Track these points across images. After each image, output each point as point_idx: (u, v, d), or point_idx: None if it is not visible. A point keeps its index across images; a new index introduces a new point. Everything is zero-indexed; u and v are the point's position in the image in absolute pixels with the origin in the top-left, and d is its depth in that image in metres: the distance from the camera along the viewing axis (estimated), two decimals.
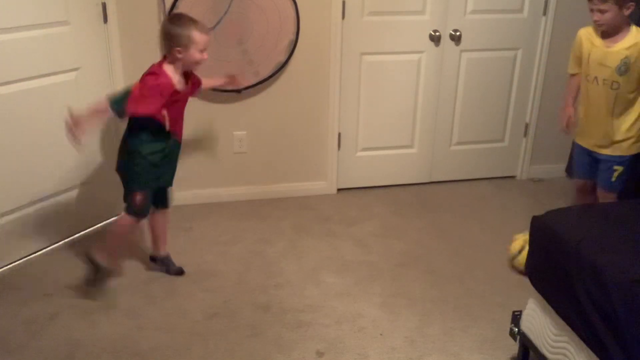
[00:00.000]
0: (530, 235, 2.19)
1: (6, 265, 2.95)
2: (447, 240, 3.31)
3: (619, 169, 2.87)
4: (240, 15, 3.25)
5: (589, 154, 2.95)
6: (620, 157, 2.85)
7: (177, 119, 2.68)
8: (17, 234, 2.96)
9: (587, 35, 2.85)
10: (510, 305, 2.57)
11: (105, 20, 3.10)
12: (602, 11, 2.65)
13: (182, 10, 3.15)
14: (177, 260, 3.02)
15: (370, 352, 2.45)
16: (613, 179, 2.89)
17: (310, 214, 3.56)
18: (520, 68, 3.84)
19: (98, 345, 2.45)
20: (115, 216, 3.43)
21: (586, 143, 2.96)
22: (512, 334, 2.34)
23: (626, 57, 2.68)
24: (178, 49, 2.48)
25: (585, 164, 3.00)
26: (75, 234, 3.22)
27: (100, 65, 3.15)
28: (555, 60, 3.82)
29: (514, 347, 2.39)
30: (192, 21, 2.52)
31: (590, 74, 2.82)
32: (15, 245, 2.97)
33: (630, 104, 2.78)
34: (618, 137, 2.82)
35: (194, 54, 2.51)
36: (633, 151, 2.84)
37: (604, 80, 2.76)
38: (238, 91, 3.43)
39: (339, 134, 3.72)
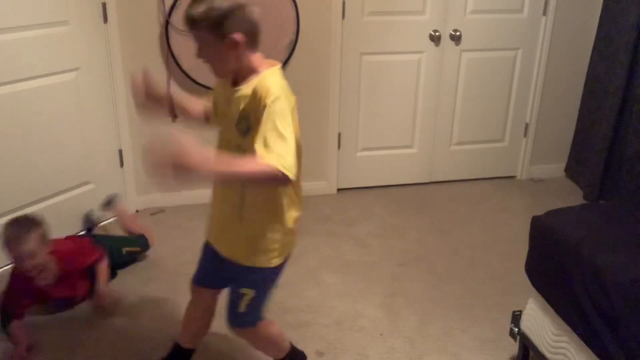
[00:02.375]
0: (530, 235, 2.19)
1: (6, 265, 2.95)
2: (447, 240, 3.31)
3: None
4: None
5: None
6: None
7: None
8: None
9: None
10: (510, 305, 2.57)
11: (105, 20, 3.10)
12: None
13: (182, 10, 3.15)
14: (178, 260, 3.02)
15: (370, 352, 2.45)
16: None
17: (310, 214, 3.56)
18: (520, 68, 3.84)
19: (98, 345, 2.45)
20: (114, 216, 3.43)
21: None
22: (512, 334, 2.34)
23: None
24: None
25: None
26: (75, 234, 3.22)
27: (100, 65, 3.15)
28: (555, 60, 3.82)
29: (514, 347, 2.39)
30: None
31: None
32: None
33: None
34: None
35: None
36: None
37: None
38: None
39: (339, 134, 3.72)
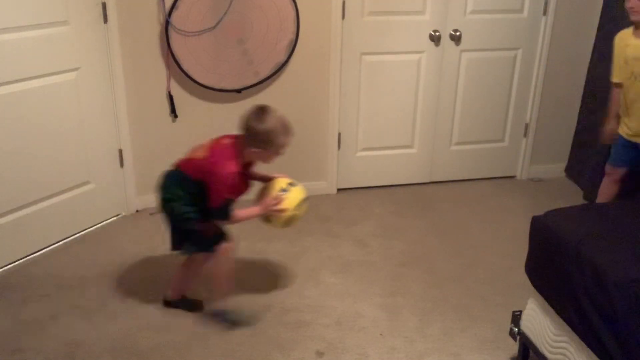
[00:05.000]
0: (530, 235, 2.19)
1: (6, 265, 2.95)
2: (447, 240, 3.31)
3: None
4: (240, 15, 3.25)
5: (633, 145, 3.00)
6: None
7: (247, 186, 2.54)
8: (17, 234, 2.96)
9: (619, 39, 2.96)
10: (510, 305, 2.57)
11: (105, 20, 3.10)
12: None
13: (182, 10, 3.16)
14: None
15: (370, 352, 2.45)
16: None
17: (310, 214, 3.55)
18: (520, 68, 3.84)
19: (98, 345, 2.45)
20: (115, 216, 3.44)
21: (628, 134, 3.00)
22: (512, 334, 2.34)
23: None
24: (258, 149, 2.37)
25: (626, 154, 3.05)
26: (75, 234, 3.22)
27: (100, 65, 3.15)
28: (555, 60, 3.82)
29: (514, 347, 2.39)
30: (284, 127, 2.38)
31: (633, 72, 2.87)
32: (15, 245, 2.97)
33: None
34: None
35: (273, 155, 2.40)
36: None
37: None
38: (238, 91, 3.43)
39: (339, 134, 3.72)
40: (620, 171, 3.11)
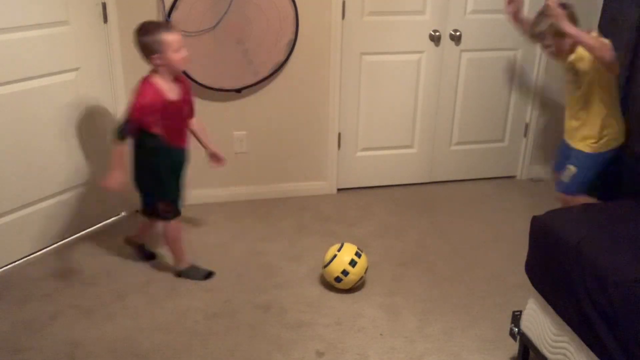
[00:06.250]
0: (530, 235, 2.19)
1: (6, 265, 2.95)
2: (447, 240, 3.31)
3: (571, 168, 2.98)
4: (240, 14, 3.25)
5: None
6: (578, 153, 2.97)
7: (180, 130, 2.70)
8: (17, 234, 2.96)
9: None
10: (510, 305, 2.57)
11: (105, 20, 3.10)
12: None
13: (182, 10, 3.16)
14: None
15: (370, 352, 2.45)
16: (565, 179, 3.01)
17: (310, 214, 3.56)
18: (520, 68, 3.84)
19: (98, 345, 2.45)
20: (115, 216, 3.44)
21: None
22: (512, 334, 2.34)
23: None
24: (154, 56, 2.52)
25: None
26: (75, 234, 3.22)
27: (100, 65, 3.15)
28: (555, 61, 3.81)
29: (514, 347, 2.39)
30: (158, 25, 2.56)
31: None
32: (15, 246, 2.97)
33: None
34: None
35: (171, 55, 2.52)
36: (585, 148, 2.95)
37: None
38: (238, 91, 3.43)
39: (339, 134, 3.72)
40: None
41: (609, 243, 1.93)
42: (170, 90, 2.59)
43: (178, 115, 2.67)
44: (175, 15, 3.16)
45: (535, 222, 2.16)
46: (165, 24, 2.62)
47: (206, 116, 3.45)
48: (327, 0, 3.39)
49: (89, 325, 2.56)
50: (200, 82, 3.33)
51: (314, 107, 3.62)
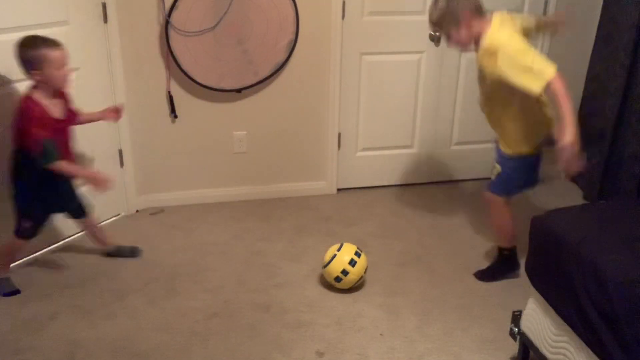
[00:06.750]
0: (530, 235, 2.19)
1: None
2: (447, 240, 3.31)
3: (497, 166, 2.77)
4: (240, 15, 3.25)
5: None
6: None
7: (64, 149, 2.62)
8: None
9: None
10: (510, 305, 2.57)
11: (105, 20, 3.10)
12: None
13: (182, 10, 3.16)
14: (177, 260, 3.03)
15: (370, 352, 2.45)
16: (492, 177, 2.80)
17: (310, 214, 3.56)
18: None
19: (98, 345, 2.45)
20: (115, 216, 3.44)
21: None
22: (512, 334, 2.34)
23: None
24: (34, 72, 2.44)
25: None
26: (75, 234, 3.22)
27: (100, 65, 3.15)
28: (555, 60, 3.80)
29: (514, 347, 2.39)
30: (43, 40, 2.45)
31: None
32: None
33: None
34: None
35: (53, 72, 2.45)
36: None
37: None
38: (238, 91, 3.43)
39: (339, 134, 3.72)
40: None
41: (608, 243, 1.93)
42: (52, 106, 2.53)
43: (63, 132, 2.62)
44: (175, 15, 3.16)
45: (535, 222, 2.16)
46: (52, 40, 2.46)
47: (206, 116, 3.46)
48: (327, 0, 3.39)
49: (89, 325, 2.56)
50: (201, 82, 3.33)
51: (314, 107, 3.62)
